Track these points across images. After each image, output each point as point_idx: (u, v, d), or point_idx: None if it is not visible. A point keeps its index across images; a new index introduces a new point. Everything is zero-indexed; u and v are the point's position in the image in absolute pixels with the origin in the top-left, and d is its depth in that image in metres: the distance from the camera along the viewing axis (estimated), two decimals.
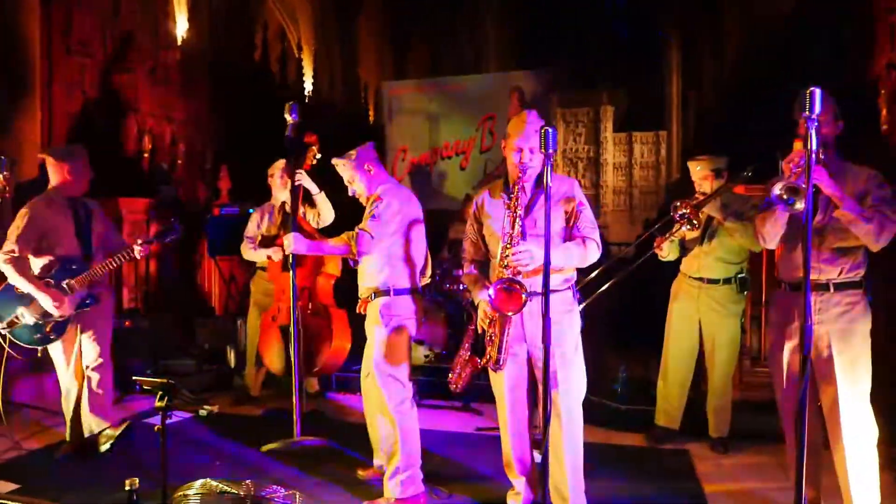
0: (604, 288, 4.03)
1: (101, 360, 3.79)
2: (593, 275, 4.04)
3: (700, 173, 3.89)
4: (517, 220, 2.70)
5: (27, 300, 3.57)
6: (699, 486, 3.45)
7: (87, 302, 3.69)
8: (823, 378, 2.81)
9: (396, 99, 7.98)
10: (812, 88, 2.11)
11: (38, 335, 3.63)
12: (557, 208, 2.80)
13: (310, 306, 4.01)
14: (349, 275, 4.25)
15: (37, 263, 3.62)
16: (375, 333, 3.25)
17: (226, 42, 8.66)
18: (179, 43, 8.08)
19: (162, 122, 7.24)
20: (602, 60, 13.46)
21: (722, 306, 3.89)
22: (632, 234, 10.35)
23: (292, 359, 3.80)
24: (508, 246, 2.68)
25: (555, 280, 2.81)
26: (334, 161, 3.42)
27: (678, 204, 3.71)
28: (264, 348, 4.28)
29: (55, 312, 3.57)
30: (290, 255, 3.70)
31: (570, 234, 2.83)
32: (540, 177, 2.84)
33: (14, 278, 3.53)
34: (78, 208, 3.76)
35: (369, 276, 3.29)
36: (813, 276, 2.74)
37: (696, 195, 3.87)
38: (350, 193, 3.49)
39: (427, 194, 7.60)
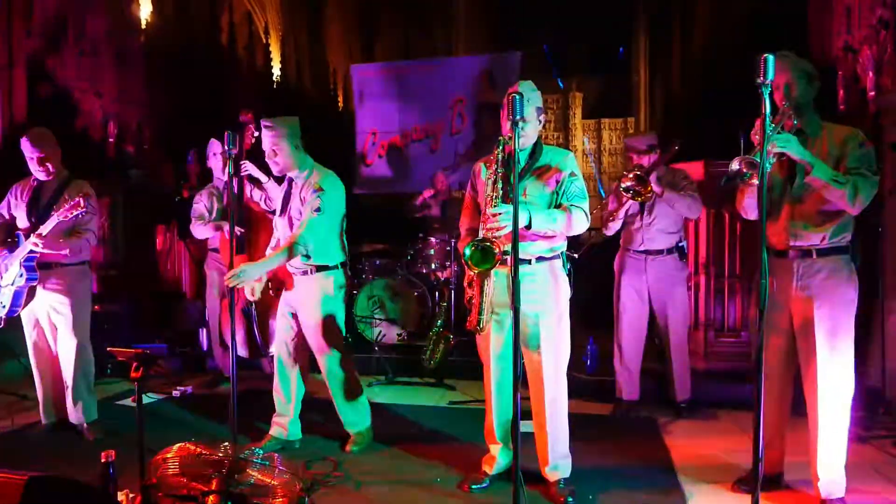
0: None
1: (68, 341, 3.73)
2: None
3: (638, 149, 4.03)
4: (497, 182, 2.75)
5: None
6: (668, 452, 3.56)
7: (27, 277, 3.61)
8: (805, 344, 2.77)
9: (365, 82, 7.95)
10: (764, 55, 2.12)
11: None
12: (548, 177, 2.88)
13: (270, 285, 4.01)
14: None
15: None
16: (324, 304, 3.41)
17: (191, 26, 8.54)
18: (143, 27, 7.96)
19: (127, 107, 7.14)
20: (573, 48, 13.55)
21: (669, 275, 4.06)
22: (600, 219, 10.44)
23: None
24: (487, 208, 2.74)
25: (542, 247, 2.88)
26: (263, 123, 3.41)
27: (627, 174, 3.81)
28: (226, 329, 4.27)
29: None
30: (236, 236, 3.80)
31: (558, 203, 2.88)
32: (534, 147, 2.93)
33: None
34: (43, 187, 3.72)
35: (314, 255, 3.40)
36: (795, 243, 2.76)
37: (634, 170, 3.97)
38: (266, 159, 3.48)
39: (399, 176, 7.62)
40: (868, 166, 2.64)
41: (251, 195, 4.27)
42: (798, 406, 2.94)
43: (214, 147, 4.64)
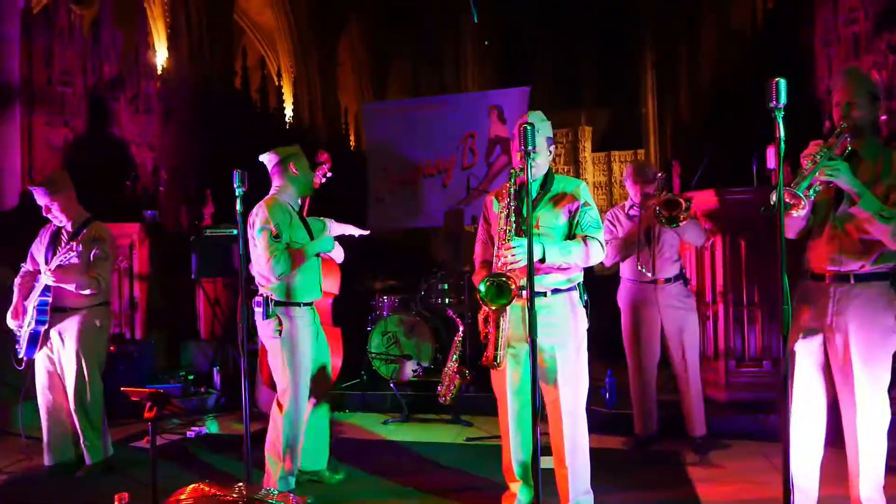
0: None
1: (75, 381, 3.72)
2: None
3: (647, 177, 4.03)
4: (510, 215, 2.73)
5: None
6: (692, 487, 3.46)
7: (37, 320, 3.64)
8: (841, 370, 2.69)
9: (377, 120, 8.06)
10: (776, 79, 2.07)
11: (16, 344, 3.73)
12: (561, 208, 2.85)
13: None
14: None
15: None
16: None
17: (206, 71, 8.73)
18: (159, 72, 8.14)
19: (143, 150, 7.26)
20: (580, 81, 13.70)
21: (681, 302, 4.00)
22: None
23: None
24: (503, 241, 2.71)
25: (559, 279, 2.84)
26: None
27: (658, 198, 3.79)
28: (262, 367, 4.23)
29: (9, 324, 3.72)
30: None
31: (572, 234, 2.85)
32: (545, 177, 2.91)
33: None
34: (62, 230, 3.78)
35: None
36: (834, 268, 2.67)
37: (649, 198, 3.95)
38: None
39: (411, 212, 7.66)
40: None
41: None
42: (830, 437, 2.84)
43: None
